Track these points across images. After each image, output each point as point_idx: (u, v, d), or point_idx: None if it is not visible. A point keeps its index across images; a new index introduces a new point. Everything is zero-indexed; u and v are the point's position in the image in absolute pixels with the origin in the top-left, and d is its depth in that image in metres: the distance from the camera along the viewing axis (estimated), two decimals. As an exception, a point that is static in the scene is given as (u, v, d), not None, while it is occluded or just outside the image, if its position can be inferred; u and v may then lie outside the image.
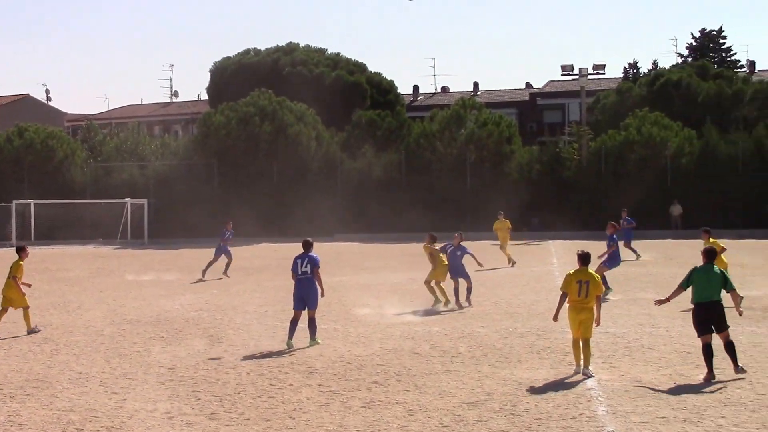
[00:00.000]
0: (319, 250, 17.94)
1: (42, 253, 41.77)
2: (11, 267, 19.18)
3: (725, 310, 13.72)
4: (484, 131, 53.71)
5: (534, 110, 79.53)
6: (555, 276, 27.52)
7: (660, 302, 14.39)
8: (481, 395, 12.67)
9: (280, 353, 16.08)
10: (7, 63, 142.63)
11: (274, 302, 23.32)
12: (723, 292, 13.80)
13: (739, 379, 13.27)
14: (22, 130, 58.46)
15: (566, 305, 14.12)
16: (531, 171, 53.52)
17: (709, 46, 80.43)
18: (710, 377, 13.20)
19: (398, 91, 71.28)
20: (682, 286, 13.93)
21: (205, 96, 77.37)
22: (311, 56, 68.64)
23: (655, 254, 35.82)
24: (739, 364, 13.48)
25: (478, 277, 24.51)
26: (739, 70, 74.76)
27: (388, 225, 50.65)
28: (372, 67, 70.68)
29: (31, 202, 53.52)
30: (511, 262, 32.26)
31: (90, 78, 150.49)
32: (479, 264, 23.72)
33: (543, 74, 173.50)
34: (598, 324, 14.19)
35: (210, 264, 30.44)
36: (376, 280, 28.29)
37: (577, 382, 13.32)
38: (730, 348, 13.46)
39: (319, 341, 16.86)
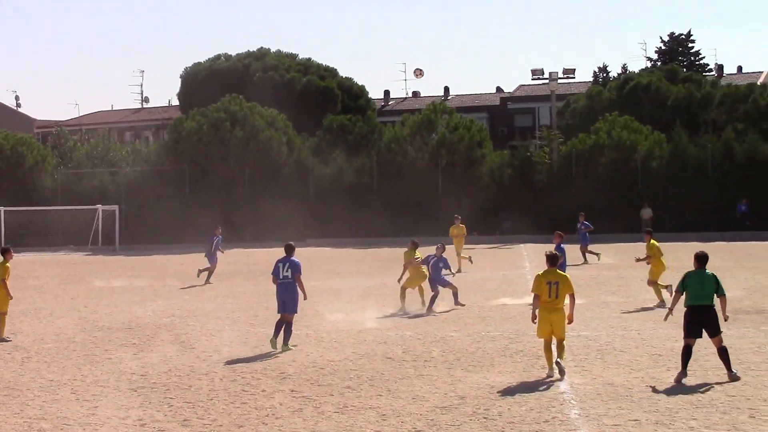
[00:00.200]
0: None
1: (12, 261, 41.29)
2: None
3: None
4: (455, 136, 53.82)
5: (505, 114, 79.78)
6: (527, 279, 27.57)
7: (667, 317, 14.34)
8: (454, 399, 12.69)
9: (252, 359, 16.04)
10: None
11: (246, 308, 23.28)
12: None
13: (710, 384, 13.37)
14: (-9, 137, 57.94)
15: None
16: (502, 175, 53.67)
17: (677, 50, 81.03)
18: (682, 377, 13.29)
19: (369, 95, 71.36)
20: (679, 291, 14.02)
21: (175, 102, 77.21)
22: (282, 61, 68.60)
23: (626, 257, 35.97)
24: (733, 369, 13.52)
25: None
26: (707, 73, 75.35)
27: (360, 230, 50.61)
28: (343, 72, 70.84)
29: (1, 209, 53.00)
30: (469, 259, 32.70)
31: (60, 84, 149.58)
32: (451, 272, 23.64)
33: (513, 78, 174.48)
34: (570, 322, 14.26)
35: (210, 272, 30.35)
36: (348, 285, 28.27)
37: (550, 386, 13.37)
38: (723, 353, 13.51)
39: (292, 347, 16.84)
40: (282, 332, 16.85)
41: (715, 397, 12.45)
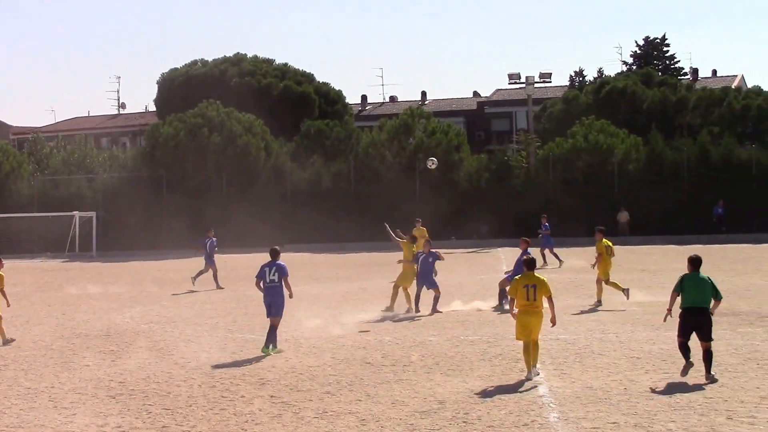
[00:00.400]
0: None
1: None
2: None
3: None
4: (432, 140, 53.91)
5: (482, 119, 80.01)
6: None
7: (666, 318, 14.45)
8: (433, 404, 12.71)
9: (231, 365, 15.99)
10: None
11: (225, 314, 23.23)
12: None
13: (687, 386, 13.45)
14: (-34, 144, 57.64)
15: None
16: (480, 179, 53.78)
17: (653, 54, 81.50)
18: (689, 367, 13.57)
19: (346, 100, 71.38)
20: (676, 291, 14.11)
21: (152, 107, 76.91)
22: (259, 67, 68.52)
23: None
24: (712, 372, 13.64)
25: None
26: (682, 77, 75.88)
27: (338, 235, 50.63)
28: (320, 77, 70.81)
29: (-23, 216, 52.76)
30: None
31: (36, 90, 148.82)
32: (442, 258, 23.48)
33: (490, 83, 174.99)
34: (554, 324, 14.49)
35: (215, 276, 30.10)
36: (326, 290, 28.25)
37: (529, 389, 13.41)
38: (707, 356, 13.66)
39: (272, 353, 16.83)
40: (268, 338, 17.01)
41: (693, 399, 12.52)
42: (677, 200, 49.36)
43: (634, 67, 77.34)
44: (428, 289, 22.43)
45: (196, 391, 13.92)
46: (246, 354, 16.90)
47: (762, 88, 63.27)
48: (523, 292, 14.15)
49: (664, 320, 14.53)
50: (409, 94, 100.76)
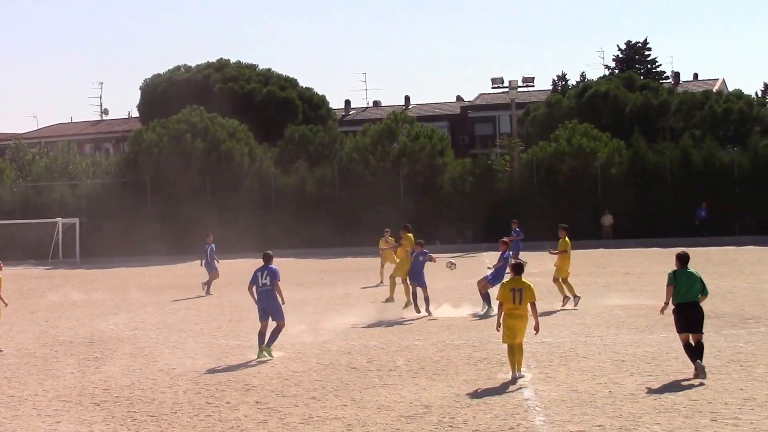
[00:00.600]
0: (255, 266, 17.89)
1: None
2: None
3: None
4: (416, 145, 53.99)
5: (465, 123, 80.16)
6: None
7: (663, 310, 14.67)
8: (419, 408, 12.70)
9: (216, 371, 15.95)
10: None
11: (209, 320, 23.18)
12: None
13: (672, 388, 13.50)
14: (-53, 150, 57.41)
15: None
16: (464, 183, 53.87)
17: (634, 58, 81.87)
18: (700, 368, 13.79)
19: (330, 105, 71.42)
20: (671, 284, 14.37)
21: (135, 113, 76.73)
22: (242, 72, 68.48)
23: (587, 264, 36.28)
24: (703, 362, 13.95)
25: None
26: (664, 81, 76.25)
27: (322, 240, 50.60)
28: (303, 82, 70.90)
29: (-41, 223, 52.48)
30: (382, 281, 30.59)
31: (18, 96, 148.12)
32: (433, 260, 23.67)
33: (473, 87, 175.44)
34: (537, 331, 14.56)
35: (209, 282, 29.91)
36: (312, 296, 28.22)
37: (515, 393, 13.43)
38: (699, 347, 14.04)
39: (273, 356, 16.92)
40: (269, 337, 17.03)
41: (678, 401, 12.57)
42: (660, 203, 49.63)
43: (617, 71, 77.69)
44: (418, 287, 22.61)
45: (181, 398, 13.88)
46: (231, 360, 16.86)
47: (743, 91, 63.72)
48: (510, 295, 14.33)
49: (661, 312, 14.71)
50: (392, 98, 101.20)
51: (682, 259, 14.46)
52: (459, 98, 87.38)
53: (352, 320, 21.81)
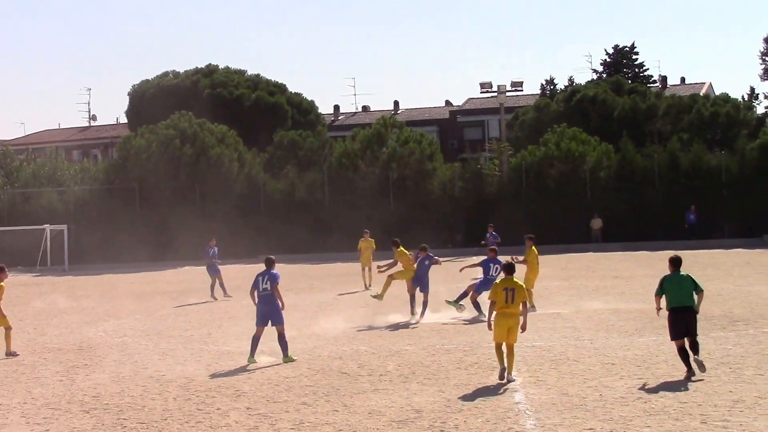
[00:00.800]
0: (243, 272, 17.94)
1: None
2: None
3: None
4: (405, 149, 54.03)
5: (454, 128, 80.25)
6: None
7: (658, 312, 15.09)
8: (410, 413, 12.70)
9: (206, 377, 15.92)
10: None
11: (199, 326, 23.13)
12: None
13: (662, 391, 13.53)
14: (-66, 158, 57.17)
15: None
16: (453, 188, 53.94)
17: (622, 62, 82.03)
18: (690, 375, 14.03)
19: (319, 110, 71.45)
20: (658, 294, 14.80)
21: (124, 119, 76.59)
22: (231, 77, 68.46)
23: (576, 268, 36.35)
24: (699, 358, 14.24)
25: (401, 294, 24.46)
26: (651, 85, 76.43)
27: (312, 245, 50.55)
28: (292, 88, 70.97)
29: (-54, 230, 52.26)
30: (368, 286, 31.21)
31: (5, 103, 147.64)
32: (439, 263, 24.18)
33: (462, 92, 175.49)
34: (523, 330, 14.70)
35: (213, 285, 29.76)
36: (301, 301, 28.18)
37: (506, 397, 13.43)
38: (694, 345, 14.30)
39: (294, 358, 17.01)
40: (279, 346, 17.09)
41: (668, 404, 12.59)
42: (649, 206, 49.75)
43: (604, 76, 77.85)
44: (420, 291, 22.84)
45: (171, 405, 13.84)
46: (221, 366, 16.83)
47: (729, 95, 64.00)
48: (503, 295, 14.59)
49: (657, 314, 15.14)
50: (381, 103, 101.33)
51: (675, 263, 14.77)
52: (448, 103, 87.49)
53: (343, 325, 21.81)
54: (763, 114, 69.71)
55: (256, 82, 68.95)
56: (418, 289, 23.02)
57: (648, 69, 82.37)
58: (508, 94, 59.18)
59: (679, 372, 14.39)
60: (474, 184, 53.73)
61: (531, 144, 54.78)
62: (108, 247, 51.45)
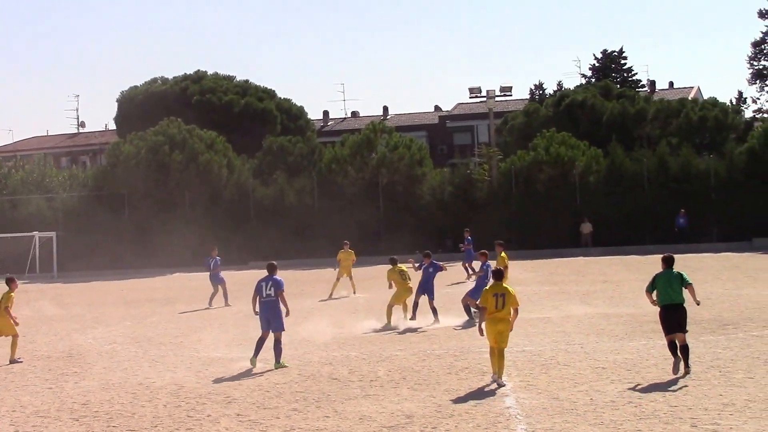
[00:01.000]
0: (233, 278, 17.91)
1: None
2: (2, 297, 20.01)
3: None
4: (395, 155, 54.05)
5: (444, 133, 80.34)
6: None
7: (653, 303, 15.45)
8: (401, 418, 12.69)
9: (197, 384, 15.87)
10: None
11: (189, 333, 23.07)
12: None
13: (652, 395, 13.55)
14: None
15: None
16: (443, 193, 53.96)
17: (611, 67, 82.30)
18: (677, 363, 14.57)
19: (308, 116, 71.49)
20: (648, 291, 15.31)
21: (112, 126, 76.45)
22: (220, 84, 68.43)
23: (566, 272, 36.38)
24: (689, 365, 14.72)
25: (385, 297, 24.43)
26: (640, 89, 76.66)
27: (302, 251, 50.47)
28: (281, 93, 70.86)
29: (-66, 238, 52.02)
30: (352, 291, 31.77)
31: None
32: (445, 269, 24.01)
33: (451, 97, 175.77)
34: (509, 330, 14.87)
35: (214, 295, 29.56)
36: (291, 307, 28.00)
37: (496, 402, 13.43)
38: (684, 350, 14.73)
39: (286, 365, 16.96)
40: (273, 351, 17.05)
41: (658, 408, 12.61)
42: (638, 211, 49.81)
43: (593, 80, 78.08)
44: (428, 295, 22.85)
45: (162, 412, 13.80)
46: (212, 373, 16.78)
47: (718, 99, 64.14)
48: (493, 300, 14.69)
49: (653, 305, 15.48)
50: (370, 109, 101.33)
51: (667, 261, 15.23)
52: (437, 108, 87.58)
53: (333, 331, 21.78)
54: (751, 118, 69.94)
55: (245, 88, 68.93)
56: (423, 296, 22.97)
57: (636, 73, 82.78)
58: (497, 99, 59.27)
59: (667, 375, 14.44)
60: (463, 189, 53.74)
61: (520, 149, 54.82)
62: (97, 254, 51.29)
